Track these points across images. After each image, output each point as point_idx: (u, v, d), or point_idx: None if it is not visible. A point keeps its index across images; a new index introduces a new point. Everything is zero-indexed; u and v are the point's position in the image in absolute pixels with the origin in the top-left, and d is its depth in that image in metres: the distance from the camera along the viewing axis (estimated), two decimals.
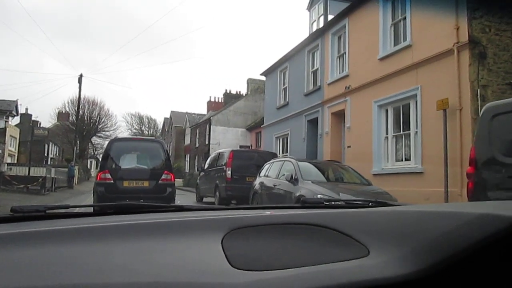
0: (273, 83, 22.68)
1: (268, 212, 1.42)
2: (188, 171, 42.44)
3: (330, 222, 1.19)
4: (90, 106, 44.17)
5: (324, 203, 1.81)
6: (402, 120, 12.92)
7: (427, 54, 11.56)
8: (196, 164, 40.66)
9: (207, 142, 37.95)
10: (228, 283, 0.88)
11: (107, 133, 46.33)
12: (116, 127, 57.43)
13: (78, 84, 28.96)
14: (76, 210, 1.66)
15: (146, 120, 66.83)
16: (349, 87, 15.39)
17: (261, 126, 25.12)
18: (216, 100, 47.78)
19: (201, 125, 40.09)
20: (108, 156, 10.59)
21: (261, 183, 11.10)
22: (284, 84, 21.88)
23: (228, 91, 43.13)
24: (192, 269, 0.91)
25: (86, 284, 0.83)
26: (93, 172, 62.67)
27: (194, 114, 47.56)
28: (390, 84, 13.12)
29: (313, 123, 18.48)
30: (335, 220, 1.21)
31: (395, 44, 13.40)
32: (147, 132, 65.69)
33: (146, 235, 1.04)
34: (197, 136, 41.07)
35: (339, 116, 16.62)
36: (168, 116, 54.47)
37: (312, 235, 1.14)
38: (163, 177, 10.43)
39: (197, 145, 41.01)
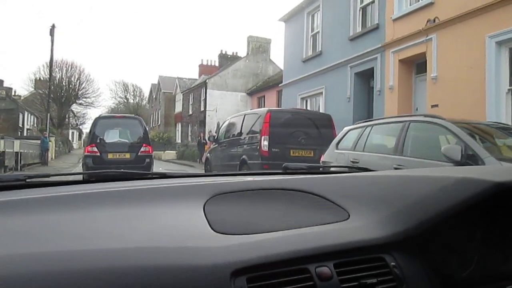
0: (297, 29, 17.32)
1: (250, 178, 1.39)
2: (180, 141, 37.17)
3: (311, 187, 1.21)
4: (69, 70, 38.14)
5: (305, 169, 1.77)
6: None
7: None
8: (189, 133, 35.42)
9: (202, 109, 32.64)
10: (210, 247, 0.86)
11: (88, 99, 40.54)
12: (99, 93, 51.59)
13: (50, 37, 23.02)
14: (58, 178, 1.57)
15: (131, 87, 60.78)
16: (434, 20, 10.27)
17: (280, 85, 19.87)
18: (209, 63, 42.28)
19: (195, 90, 34.60)
20: (94, 132, 11.45)
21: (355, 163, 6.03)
22: (314, 29, 16.56)
23: (223, 52, 37.52)
24: (174, 234, 0.90)
25: (69, 251, 0.80)
26: (75, 144, 57.17)
27: (185, 78, 41.91)
28: None
29: (364, 76, 13.39)
30: (316, 185, 1.22)
31: None
32: (132, 101, 59.99)
33: (128, 201, 1.03)
34: (191, 102, 35.65)
35: (410, 63, 11.56)
36: (155, 82, 48.66)
37: (293, 200, 1.15)
38: (142, 149, 11.35)
39: (190, 112, 35.63)
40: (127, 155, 11.29)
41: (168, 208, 1.03)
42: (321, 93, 15.38)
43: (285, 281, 0.86)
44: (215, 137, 12.68)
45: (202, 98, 32.82)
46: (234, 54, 37.42)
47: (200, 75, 40.56)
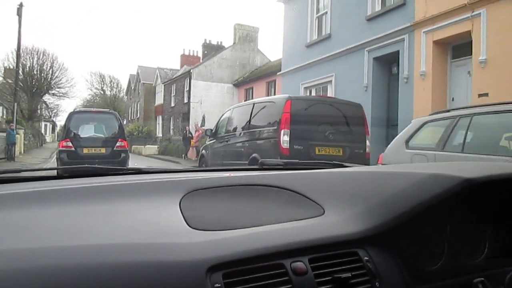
0: (300, 11, 15.33)
1: (226, 174, 1.39)
2: (162, 135, 34.86)
3: (287, 183, 1.21)
4: (40, 58, 35.20)
5: (282, 165, 1.73)
6: None
7: None
8: (172, 126, 33.16)
9: (186, 100, 30.41)
10: (185, 243, 0.85)
11: (62, 90, 37.64)
12: (73, 83, 48.61)
13: (17, 18, 20.44)
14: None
15: (108, 79, 57.81)
16: None
17: (278, 73, 17.83)
18: (192, 54, 39.99)
19: (178, 80, 32.30)
20: (69, 126, 11.13)
21: None
22: (319, 10, 14.63)
23: (207, 42, 35.27)
24: (149, 230, 0.89)
25: (42, 248, 0.78)
26: (49, 137, 54.09)
27: (167, 69, 39.45)
28: None
29: (385, 62, 11.54)
30: (292, 181, 1.23)
31: None
32: (109, 93, 57.12)
33: (103, 197, 1.02)
34: (173, 94, 33.34)
35: (445, 46, 9.76)
36: (134, 72, 46.03)
37: (269, 196, 1.16)
38: (117, 144, 11.17)
39: (172, 104, 33.34)
40: (103, 150, 11.12)
41: (143, 204, 1.01)
42: (330, 81, 13.47)
43: (260, 276, 0.85)
44: (213, 131, 10.61)
45: (186, 89, 30.57)
46: (219, 43, 35.25)
47: (182, 66, 38.27)
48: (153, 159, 24.47)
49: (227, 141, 9.51)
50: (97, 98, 57.32)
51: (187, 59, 38.64)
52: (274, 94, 26.38)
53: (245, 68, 30.86)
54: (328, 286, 0.90)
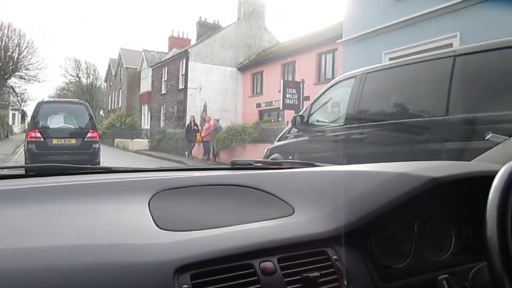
0: None
1: (197, 174, 1.37)
2: (149, 127, 29.35)
3: (257, 183, 1.19)
4: (5, 33, 28.96)
5: (254, 164, 1.70)
6: None
7: None
8: (162, 117, 27.71)
9: (181, 86, 25.08)
10: (153, 244, 0.83)
11: (31, 72, 31.48)
12: (44, 65, 42.39)
13: None
14: None
15: (84, 65, 51.65)
16: None
17: (339, 41, 12.78)
18: (182, 36, 34.57)
19: (171, 63, 26.83)
20: (37, 117, 10.71)
21: None
22: None
23: (203, 20, 29.86)
24: (117, 230, 0.86)
25: (4, 249, 0.75)
26: (17, 127, 47.58)
27: (154, 51, 33.82)
28: None
29: None
30: (262, 181, 1.21)
31: None
32: (85, 80, 51.31)
33: (70, 197, 0.99)
34: (164, 79, 27.90)
35: None
36: (115, 56, 40.15)
37: (239, 196, 1.13)
38: (88, 135, 10.72)
39: (163, 91, 27.89)
40: (73, 141, 10.61)
41: (111, 204, 0.98)
42: (451, 44, 8.50)
43: (229, 277, 0.83)
44: (305, 119, 5.52)
45: (181, 72, 25.21)
46: (216, 22, 29.94)
47: (170, 49, 32.83)
48: (144, 156, 19.12)
49: (358, 138, 4.50)
50: (72, 85, 51.61)
51: (176, 41, 33.31)
52: (294, 79, 21.38)
53: (251, 49, 25.71)
54: (296, 286, 0.89)
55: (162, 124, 27.51)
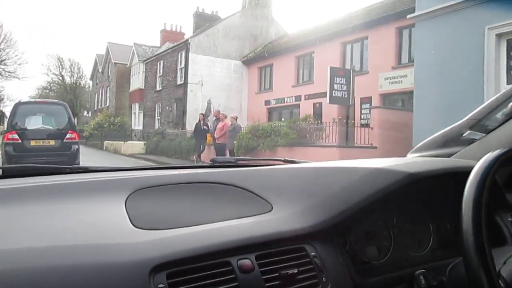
0: None
1: (175, 172, 1.33)
2: (142, 128, 26.25)
3: (236, 180, 1.17)
4: None
5: (234, 162, 1.65)
6: None
7: None
8: (157, 116, 24.69)
9: (180, 81, 22.13)
10: (129, 243, 0.81)
11: (9, 68, 28.15)
12: (24, 60, 39.03)
13: None
14: None
15: (68, 63, 48.08)
16: None
17: (410, 16, 9.90)
18: (175, 29, 31.58)
19: (169, 55, 23.81)
20: (15, 118, 10.37)
21: None
22: None
23: (200, 10, 26.91)
24: (93, 230, 0.85)
25: None
26: None
27: (145, 46, 30.68)
28: None
29: None
30: (241, 178, 1.19)
31: None
32: (69, 79, 47.85)
33: (46, 197, 0.97)
34: (159, 74, 24.88)
35: None
36: (102, 52, 36.78)
37: (217, 194, 1.12)
38: (67, 136, 10.47)
39: (158, 87, 24.87)
40: (52, 142, 10.17)
41: (87, 204, 0.96)
42: None
43: (206, 275, 0.82)
44: None
45: (180, 66, 22.25)
46: (214, 13, 27.04)
47: (163, 43, 29.78)
48: (144, 161, 16.13)
49: None
50: (55, 85, 47.67)
51: (169, 35, 30.24)
52: (311, 72, 18.62)
53: (256, 41, 22.91)
54: (275, 283, 0.88)
55: (157, 124, 24.48)
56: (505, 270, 0.87)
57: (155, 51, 28.18)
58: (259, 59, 21.46)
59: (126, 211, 0.94)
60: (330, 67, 10.92)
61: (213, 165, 1.60)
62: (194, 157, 14.46)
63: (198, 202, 1.06)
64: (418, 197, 1.14)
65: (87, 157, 17.95)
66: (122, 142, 21.17)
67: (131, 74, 29.60)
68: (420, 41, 9.32)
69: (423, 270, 1.02)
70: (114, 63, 32.00)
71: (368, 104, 15.51)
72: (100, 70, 36.20)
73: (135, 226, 0.87)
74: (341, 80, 10.53)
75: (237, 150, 12.58)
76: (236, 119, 12.97)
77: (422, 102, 8.64)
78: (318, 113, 17.28)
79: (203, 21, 25.73)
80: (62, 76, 47.37)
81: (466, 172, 0.85)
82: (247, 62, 22.12)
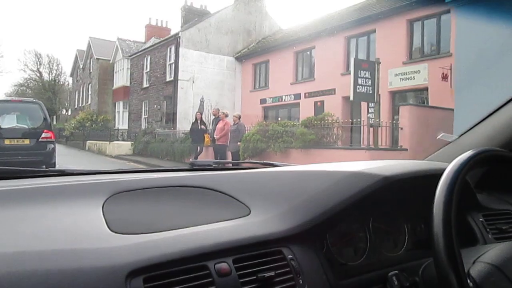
0: None
1: (154, 175, 1.31)
2: (127, 127, 24.70)
3: (214, 184, 1.17)
4: None
5: (213, 165, 1.64)
6: None
7: None
8: (144, 115, 23.24)
9: (169, 78, 20.71)
10: (106, 248, 0.79)
11: None
12: None
13: None
14: None
15: (46, 59, 46.09)
16: None
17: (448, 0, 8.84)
18: (161, 25, 30.13)
19: (156, 50, 22.35)
20: None
21: None
22: None
23: (188, 4, 25.44)
24: (69, 235, 0.83)
25: None
26: None
27: (130, 41, 29.07)
28: None
29: None
30: (219, 182, 1.19)
31: None
32: (47, 76, 46.13)
33: (20, 201, 0.94)
34: (146, 70, 23.37)
35: None
36: (83, 47, 34.87)
37: (196, 197, 1.11)
38: (43, 135, 10.07)
39: (145, 84, 23.36)
40: (27, 141, 9.82)
41: (63, 208, 0.94)
42: None
43: (183, 279, 0.81)
44: None
45: (170, 61, 20.82)
46: (203, 7, 25.63)
47: (148, 38, 28.29)
48: (134, 164, 14.70)
49: None
50: (32, 82, 45.91)
51: (155, 31, 28.78)
52: (312, 69, 17.47)
53: (250, 36, 21.69)
54: (252, 286, 0.88)
55: (144, 123, 22.98)
56: (474, 270, 0.87)
57: (141, 47, 26.66)
58: (254, 55, 20.24)
59: (103, 216, 0.92)
60: (354, 59, 9.67)
61: (192, 168, 1.58)
62: (191, 159, 13.12)
63: (176, 206, 1.04)
64: (393, 199, 1.16)
65: (68, 158, 16.44)
66: (107, 142, 19.62)
67: (115, 71, 27.96)
68: (461, 30, 8.23)
69: (396, 271, 1.02)
70: (96, 58, 30.21)
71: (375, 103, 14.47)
72: (81, 66, 34.31)
73: (112, 231, 0.85)
74: (365, 74, 9.31)
75: (243, 152, 11.26)
76: (239, 118, 11.69)
77: (463, 98, 7.56)
78: (319, 112, 16.17)
79: (192, 15, 24.28)
80: (40, 73, 45.84)
81: (438, 174, 0.86)
82: (241, 58, 20.87)
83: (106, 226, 0.87)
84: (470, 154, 0.87)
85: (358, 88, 9.17)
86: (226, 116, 12.12)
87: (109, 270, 0.74)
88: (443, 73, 11.74)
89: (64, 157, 17.11)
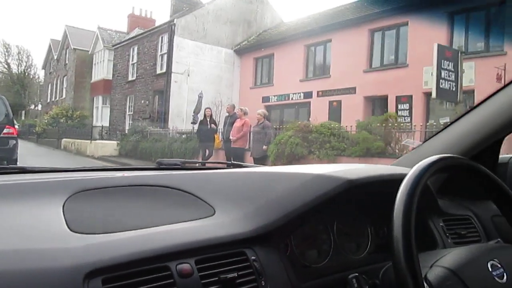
0: None
1: (119, 174, 1.26)
2: (109, 124, 22.10)
3: (180, 184, 1.14)
4: None
5: (180, 165, 1.58)
6: None
7: None
8: (129, 111, 20.77)
9: (160, 70, 18.38)
10: (64, 248, 0.77)
11: None
12: None
13: None
14: None
15: (15, 50, 42.97)
16: None
17: None
18: (145, 15, 27.71)
19: (144, 39, 19.90)
20: None
21: None
22: None
23: None
24: (26, 235, 0.80)
25: None
26: None
27: (111, 30, 26.41)
28: None
29: None
30: (185, 182, 1.17)
31: None
32: (16, 68, 43.33)
33: None
34: (133, 61, 20.87)
35: None
36: (57, 37, 31.83)
37: (160, 197, 1.09)
38: (5, 131, 9.77)
39: (131, 77, 20.88)
40: None
41: (22, 206, 0.90)
42: None
43: (143, 280, 0.79)
44: None
45: (161, 52, 18.45)
46: None
47: (131, 29, 25.76)
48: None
49: None
50: (0, 74, 43.13)
51: (139, 21, 26.32)
52: (327, 65, 15.51)
53: (250, 28, 19.61)
54: (214, 287, 0.86)
55: (128, 120, 20.49)
56: (431, 274, 0.89)
57: (123, 37, 24.11)
58: (256, 48, 18.14)
59: (64, 215, 0.89)
60: (438, 45, 7.52)
61: (159, 167, 1.55)
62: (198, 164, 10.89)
63: (140, 206, 1.02)
64: (357, 202, 1.17)
65: (40, 159, 13.91)
66: (88, 141, 17.06)
67: (94, 62, 25.31)
68: None
69: (356, 274, 1.02)
70: (73, 49, 27.39)
71: (407, 105, 12.62)
72: (55, 58, 31.27)
73: (71, 230, 0.84)
74: (448, 65, 7.32)
75: (275, 159, 9.04)
76: (264, 117, 9.53)
77: None
78: (335, 114, 14.22)
79: (182, 3, 21.99)
80: (8, 65, 42.98)
81: (400, 179, 0.87)
82: (241, 51, 18.75)
83: (65, 226, 0.84)
84: (432, 160, 0.88)
85: (441, 84, 7.10)
86: (245, 114, 9.95)
87: (67, 271, 0.72)
88: (497, 74, 9.95)
89: (38, 158, 14.50)
